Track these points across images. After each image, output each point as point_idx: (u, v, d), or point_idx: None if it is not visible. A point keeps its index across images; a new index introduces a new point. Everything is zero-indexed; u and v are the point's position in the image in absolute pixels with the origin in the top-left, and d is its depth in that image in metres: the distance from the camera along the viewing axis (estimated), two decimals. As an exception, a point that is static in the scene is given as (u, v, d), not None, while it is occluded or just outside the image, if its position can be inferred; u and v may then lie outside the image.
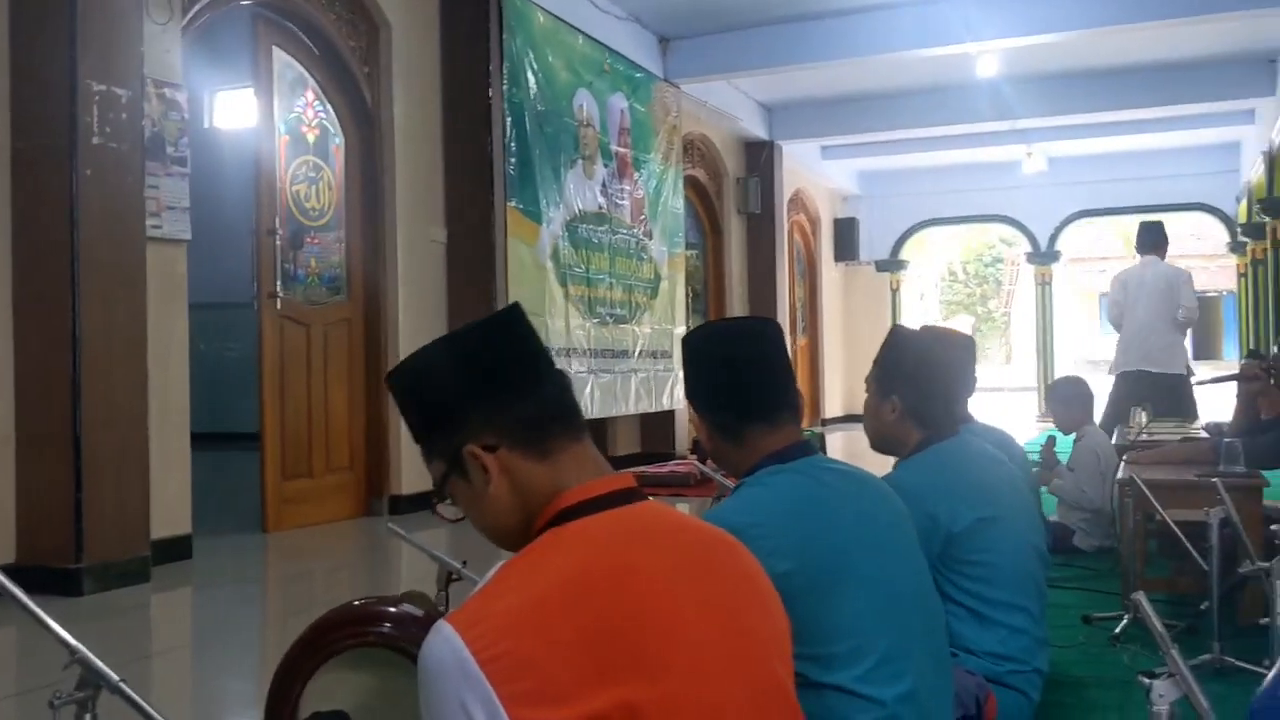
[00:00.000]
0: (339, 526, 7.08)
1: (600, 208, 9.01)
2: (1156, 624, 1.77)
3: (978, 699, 2.83)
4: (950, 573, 2.97)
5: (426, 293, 7.67)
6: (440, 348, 1.51)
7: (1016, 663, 3.02)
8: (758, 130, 12.81)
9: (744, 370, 2.24)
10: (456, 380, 1.47)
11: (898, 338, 3.06)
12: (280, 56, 6.93)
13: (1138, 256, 7.95)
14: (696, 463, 6.42)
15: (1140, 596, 1.79)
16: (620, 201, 9.33)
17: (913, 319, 25.74)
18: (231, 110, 11.54)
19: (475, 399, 1.46)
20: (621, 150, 9.44)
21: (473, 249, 7.75)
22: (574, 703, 1.25)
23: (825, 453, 8.10)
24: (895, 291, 17.48)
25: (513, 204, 7.85)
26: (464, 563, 2.25)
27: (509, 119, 7.82)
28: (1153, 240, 7.88)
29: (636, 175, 9.67)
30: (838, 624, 2.13)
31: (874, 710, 2.13)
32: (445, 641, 1.26)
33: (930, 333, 3.28)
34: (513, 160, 7.84)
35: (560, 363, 8.27)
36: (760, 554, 2.02)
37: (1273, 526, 3.12)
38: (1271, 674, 1.98)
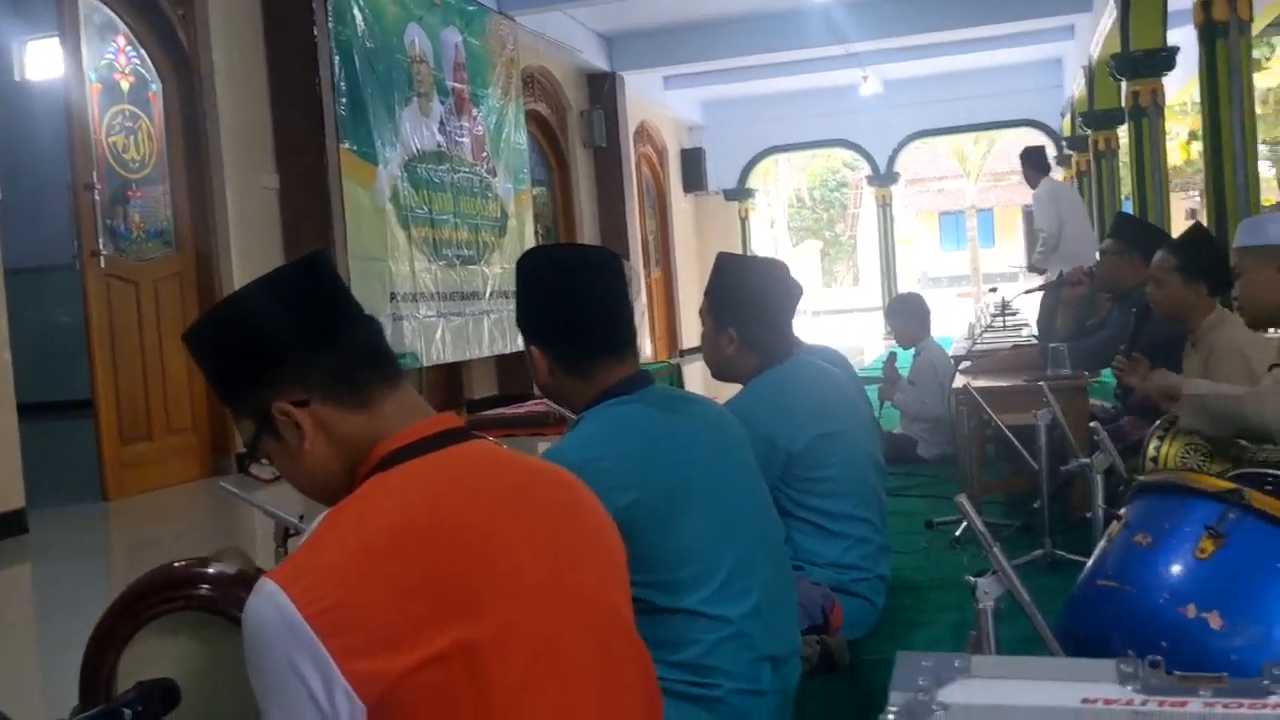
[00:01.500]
0: (184, 489, 6.85)
1: (440, 146, 8.81)
2: (978, 524, 1.83)
3: (823, 608, 2.92)
4: (793, 490, 3.05)
5: (261, 242, 7.40)
6: (237, 301, 1.43)
7: (860, 571, 3.12)
8: (598, 62, 12.69)
9: (597, 304, 2.19)
10: (257, 334, 1.39)
11: (727, 268, 3.09)
12: (86, 1, 6.51)
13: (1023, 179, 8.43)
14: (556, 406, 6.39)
15: (962, 499, 1.84)
16: (460, 139, 9.14)
17: (764, 246, 26.15)
18: (43, 61, 10.83)
19: (280, 352, 1.39)
20: (458, 86, 9.22)
21: (306, 194, 7.50)
22: (411, 649, 1.23)
23: (683, 384, 8.21)
24: (745, 220, 17.69)
25: (346, 146, 7.60)
26: (300, 517, 2.19)
27: (337, 58, 7.54)
28: (1046, 163, 8.31)
29: (475, 111, 9.47)
30: (683, 550, 2.16)
31: (722, 629, 2.18)
32: (268, 599, 1.22)
33: (756, 261, 3.33)
34: (343, 101, 7.58)
35: (407, 308, 8.14)
36: (603, 488, 2.02)
37: (1091, 424, 3.28)
38: (1089, 564, 2.09)
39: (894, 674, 1.07)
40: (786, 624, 2.35)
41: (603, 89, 12.91)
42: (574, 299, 2.17)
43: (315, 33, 7.44)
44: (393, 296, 7.94)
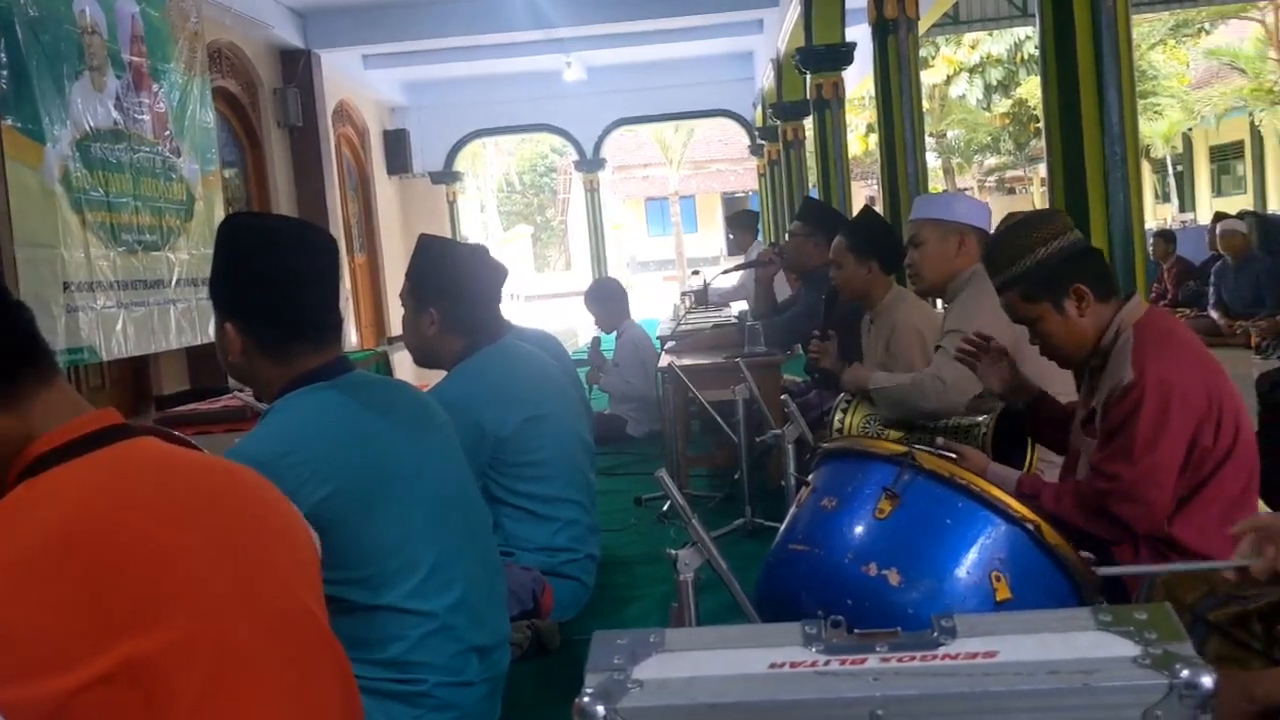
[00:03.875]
0: None
1: (116, 124, 8.14)
2: (678, 498, 1.87)
3: (534, 592, 2.91)
4: (502, 476, 3.02)
5: (-94, 229, 6.59)
6: None
7: (571, 552, 3.14)
8: (292, 38, 12.13)
9: (309, 283, 2.03)
10: None
11: (428, 249, 3.01)
12: None
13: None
14: (248, 398, 6.05)
15: (663, 475, 1.87)
16: (139, 116, 8.49)
17: (474, 231, 25.97)
18: None
19: None
20: (136, 60, 8.56)
21: (-38, 176, 6.73)
22: (72, 669, 1.13)
23: (391, 373, 8.00)
24: (453, 204, 17.47)
25: (9, 123, 6.87)
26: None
27: (-7, 25, 6.81)
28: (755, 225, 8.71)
29: (156, 87, 8.83)
30: (384, 543, 2.08)
31: (426, 623, 2.12)
32: None
33: (456, 242, 3.28)
34: (4, 74, 6.86)
35: (83, 298, 7.49)
36: (295, 483, 1.91)
37: (783, 398, 3.44)
38: (781, 529, 2.18)
39: (590, 655, 1.06)
40: (494, 613, 2.33)
41: (298, 67, 12.36)
42: (284, 276, 2.00)
43: (-35, -4, 6.69)
44: (66, 286, 7.27)
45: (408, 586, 2.09)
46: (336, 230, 12.77)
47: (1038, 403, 2.72)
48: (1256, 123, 22.29)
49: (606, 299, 6.29)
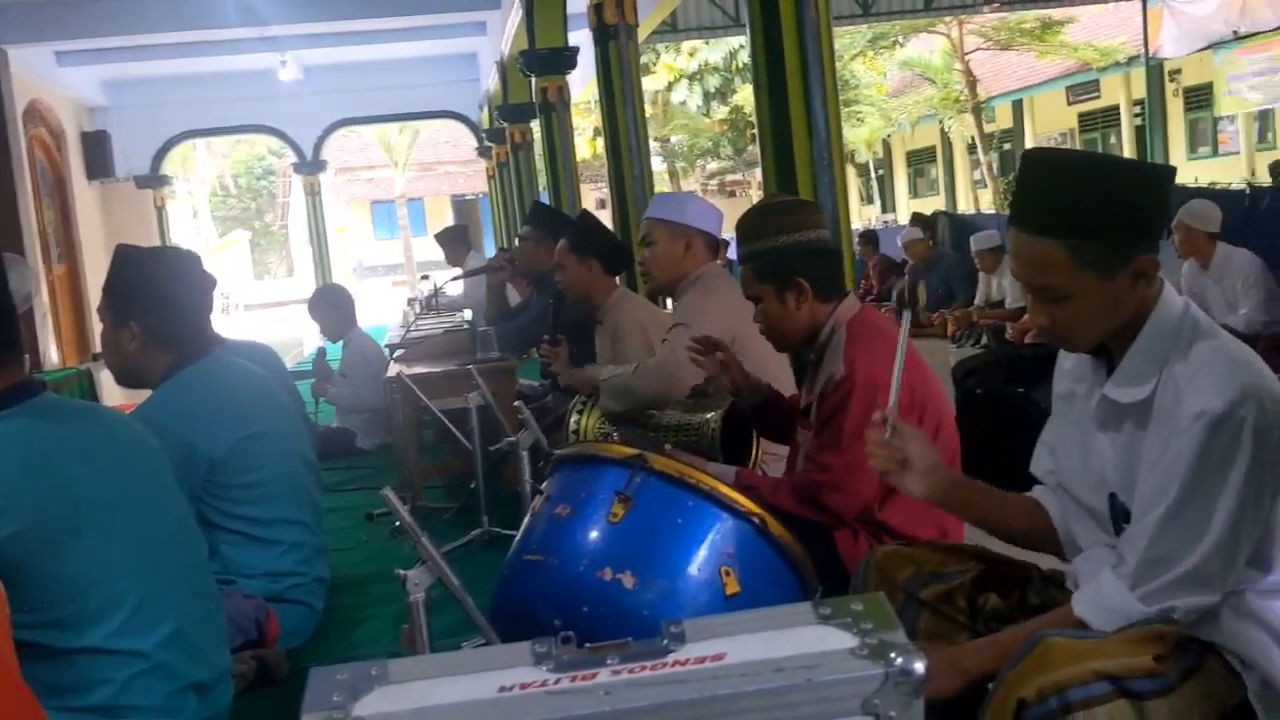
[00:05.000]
0: None
1: None
2: (405, 516, 1.81)
3: (257, 621, 2.76)
4: (217, 500, 2.84)
5: None
6: None
7: (296, 576, 2.99)
8: (-29, 32, 11.06)
9: None
10: None
11: (126, 259, 2.78)
12: None
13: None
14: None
15: (388, 492, 1.81)
16: None
17: (186, 238, 24.53)
18: None
19: None
20: None
21: None
22: None
23: (96, 393, 7.40)
24: (162, 209, 16.44)
25: None
26: None
27: None
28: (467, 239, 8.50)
29: None
30: (81, 580, 1.92)
31: (135, 663, 1.97)
32: None
33: (159, 251, 3.05)
34: None
35: None
36: (-24, 520, 1.73)
37: (516, 403, 3.41)
38: (516, 540, 2.15)
39: (306, 693, 0.99)
40: (213, 646, 2.18)
41: (-22, 62, 11.28)
42: None
43: None
44: None
45: (111, 625, 1.94)
46: (31, 240, 11.73)
47: (766, 401, 2.82)
48: (946, 129, 24.20)
49: (331, 307, 6.06)
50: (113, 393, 8.52)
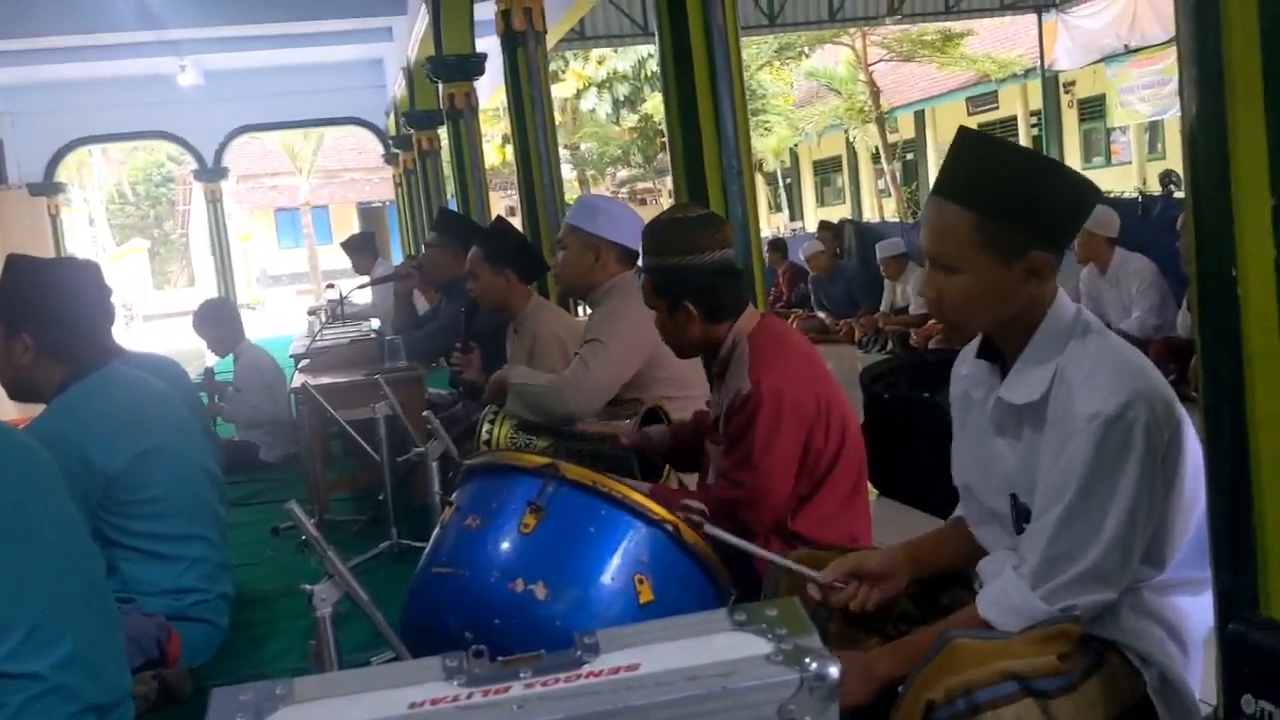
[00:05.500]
0: None
1: None
2: (310, 530, 1.77)
3: (159, 640, 2.68)
4: (115, 516, 2.75)
5: None
6: None
7: (200, 593, 2.91)
8: None
9: None
10: None
11: (17, 269, 2.68)
12: None
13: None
14: None
15: (293, 506, 1.76)
16: None
17: (83, 247, 23.78)
18: None
19: None
20: None
21: None
22: None
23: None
24: (56, 217, 15.93)
25: None
26: None
27: None
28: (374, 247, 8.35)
29: None
30: (-31, 603, 1.83)
31: (31, 686, 1.90)
32: None
33: (53, 260, 2.95)
34: None
35: None
36: None
37: (425, 413, 3.36)
38: (425, 552, 2.12)
39: (208, 714, 0.96)
40: (113, 666, 2.11)
41: None
42: None
43: None
44: None
45: (5, 648, 1.87)
46: (-89, 248, 11.24)
47: (674, 444, 2.82)
48: (851, 139, 24.60)
49: (217, 321, 5.93)
50: (5, 407, 8.21)
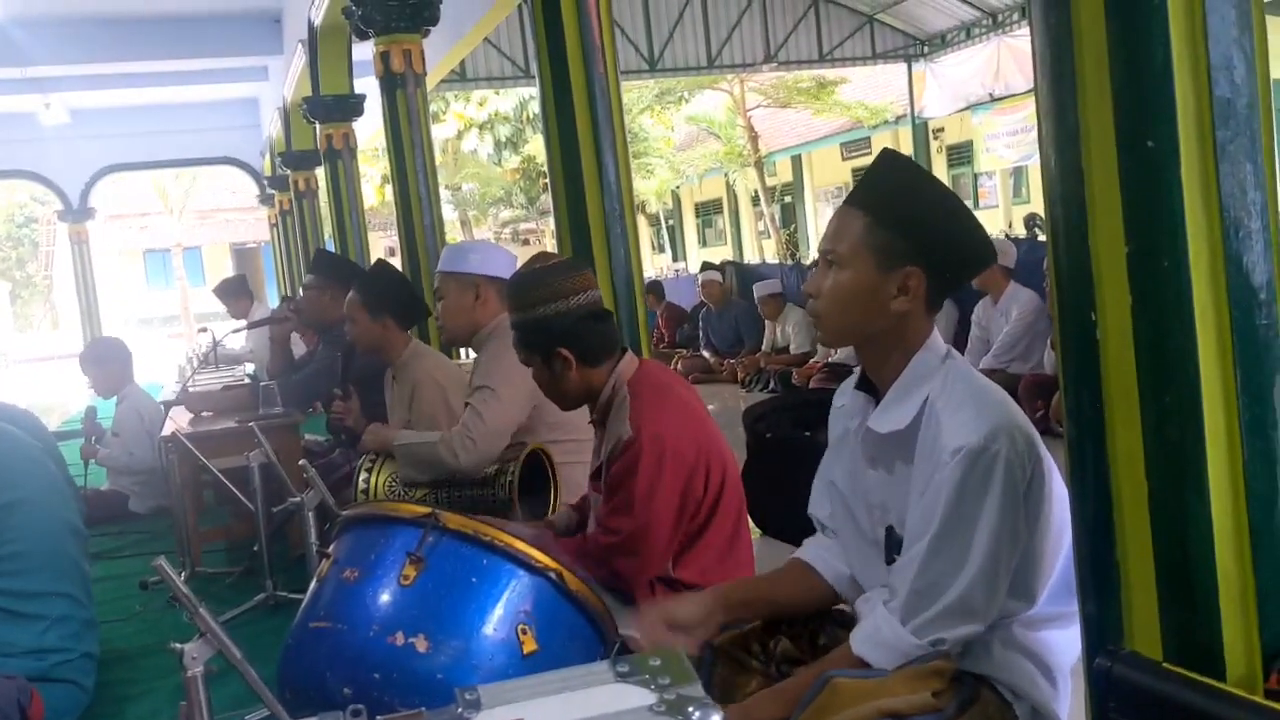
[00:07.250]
0: None
1: None
2: (180, 587, 1.69)
3: (19, 703, 2.55)
4: (-30, 574, 2.61)
5: None
6: None
7: (63, 653, 2.78)
8: None
9: None
10: None
11: None
12: None
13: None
14: None
15: (162, 562, 1.69)
16: None
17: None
18: None
19: None
20: None
21: None
22: None
23: None
24: (-93, 258, 15.18)
25: None
26: None
27: None
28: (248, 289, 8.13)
29: None
30: None
31: None
32: None
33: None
34: None
35: None
36: None
37: (301, 462, 3.27)
38: (302, 607, 2.05)
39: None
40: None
41: None
42: None
43: None
44: None
45: None
46: None
47: (581, 518, 2.79)
48: (731, 182, 25.04)
49: (104, 360, 5.70)
50: None
